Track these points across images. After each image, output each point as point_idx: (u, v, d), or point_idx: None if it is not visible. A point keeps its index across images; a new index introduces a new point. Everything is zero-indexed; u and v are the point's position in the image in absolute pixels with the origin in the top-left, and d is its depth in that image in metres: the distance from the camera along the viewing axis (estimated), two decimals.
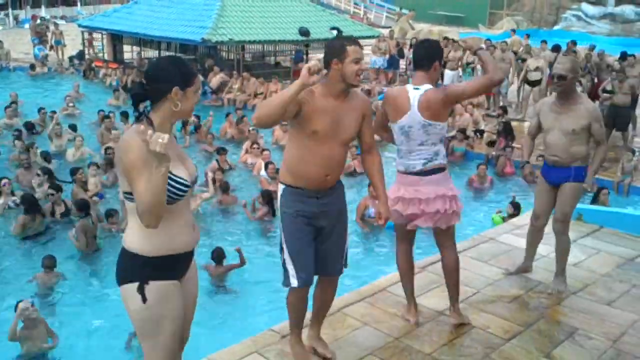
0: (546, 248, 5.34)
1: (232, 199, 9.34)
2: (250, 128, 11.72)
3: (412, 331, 4.24)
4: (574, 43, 15.71)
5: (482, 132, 12.69)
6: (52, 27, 22.42)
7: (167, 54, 19.98)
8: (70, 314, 6.58)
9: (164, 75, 2.67)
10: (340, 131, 3.45)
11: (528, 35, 18.32)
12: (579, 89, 4.93)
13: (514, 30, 20.92)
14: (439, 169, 4.00)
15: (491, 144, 11.83)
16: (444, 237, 4.18)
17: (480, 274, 5.16)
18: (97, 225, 7.99)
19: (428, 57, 3.94)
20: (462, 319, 4.33)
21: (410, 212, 4.03)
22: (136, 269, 2.69)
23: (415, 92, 3.87)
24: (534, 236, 5.13)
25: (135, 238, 2.68)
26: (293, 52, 19.97)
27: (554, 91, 4.73)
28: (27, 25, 25.94)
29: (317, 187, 3.46)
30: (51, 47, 21.66)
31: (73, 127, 12.40)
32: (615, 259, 5.59)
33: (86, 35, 21.45)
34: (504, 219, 8.18)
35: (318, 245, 3.56)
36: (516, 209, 8.27)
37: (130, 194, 2.61)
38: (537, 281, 5.06)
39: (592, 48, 16.23)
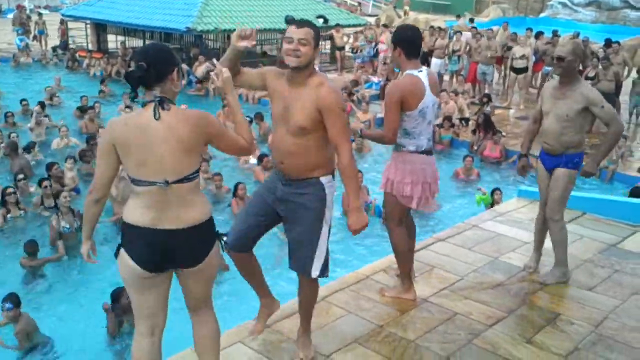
0: (529, 235, 5.38)
1: (223, 191, 9.29)
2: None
3: (396, 318, 4.26)
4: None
5: (467, 120, 12.73)
6: (35, 17, 22.12)
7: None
8: (53, 300, 6.64)
9: (165, 57, 2.79)
10: (288, 118, 3.28)
11: (472, 20, 18.97)
12: None
13: (459, 16, 21.39)
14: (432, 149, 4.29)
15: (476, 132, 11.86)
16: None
17: (463, 261, 5.19)
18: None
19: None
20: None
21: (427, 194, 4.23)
22: (214, 228, 3.02)
23: (421, 74, 4.06)
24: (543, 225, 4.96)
25: (206, 205, 2.97)
26: (280, 41, 19.87)
27: (555, 73, 4.66)
28: (9, 15, 25.56)
29: (280, 173, 3.43)
30: (34, 37, 21.39)
31: (46, 115, 12.27)
32: (598, 245, 5.64)
33: (66, 24, 21.13)
34: (492, 204, 8.16)
35: (286, 232, 3.57)
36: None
37: (197, 171, 2.84)
38: (519, 267, 5.09)
39: (576, 35, 16.28)
